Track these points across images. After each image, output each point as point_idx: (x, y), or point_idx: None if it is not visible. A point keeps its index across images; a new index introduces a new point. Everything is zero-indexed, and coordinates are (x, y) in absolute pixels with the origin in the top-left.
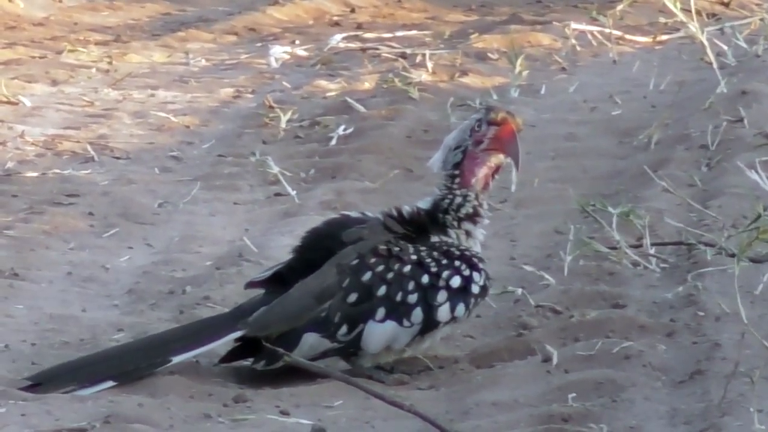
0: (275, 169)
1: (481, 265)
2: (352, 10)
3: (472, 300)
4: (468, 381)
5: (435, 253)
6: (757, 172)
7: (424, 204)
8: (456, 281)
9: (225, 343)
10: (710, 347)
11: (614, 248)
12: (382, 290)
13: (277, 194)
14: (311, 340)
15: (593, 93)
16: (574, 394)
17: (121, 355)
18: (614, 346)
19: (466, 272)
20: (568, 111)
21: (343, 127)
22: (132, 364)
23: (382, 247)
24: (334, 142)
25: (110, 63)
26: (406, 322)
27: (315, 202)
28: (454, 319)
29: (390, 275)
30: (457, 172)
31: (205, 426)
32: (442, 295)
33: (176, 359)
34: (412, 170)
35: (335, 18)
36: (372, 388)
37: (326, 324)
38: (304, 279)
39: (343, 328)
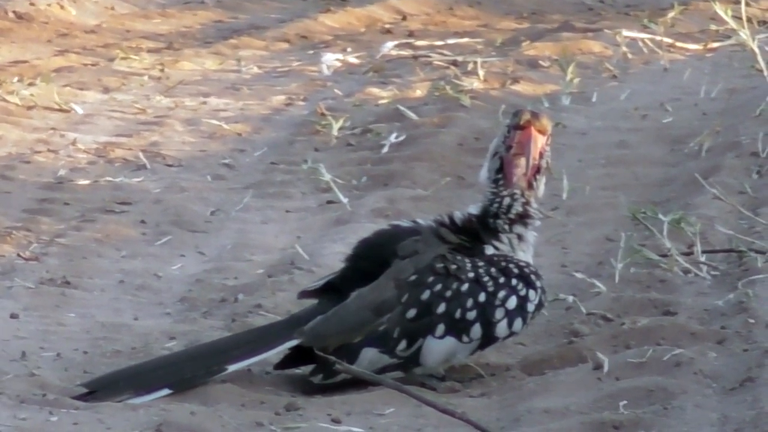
0: (327, 177)
1: (537, 283)
2: (404, 18)
3: (529, 315)
4: (519, 388)
5: (492, 270)
6: None
7: (475, 209)
8: (512, 302)
9: (280, 352)
10: (761, 354)
11: (665, 256)
12: (441, 308)
13: (329, 202)
14: (370, 355)
15: (644, 100)
16: (625, 402)
17: (176, 363)
18: (665, 354)
19: (522, 292)
20: (619, 118)
21: (394, 134)
22: (188, 372)
23: (439, 265)
24: (385, 149)
25: (162, 70)
26: (465, 338)
27: (367, 209)
28: (512, 333)
29: (448, 293)
30: (499, 176)
31: None
32: (500, 312)
33: (231, 368)
34: (464, 178)
35: (387, 25)
36: (424, 396)
37: (385, 339)
38: (360, 290)
39: (403, 344)
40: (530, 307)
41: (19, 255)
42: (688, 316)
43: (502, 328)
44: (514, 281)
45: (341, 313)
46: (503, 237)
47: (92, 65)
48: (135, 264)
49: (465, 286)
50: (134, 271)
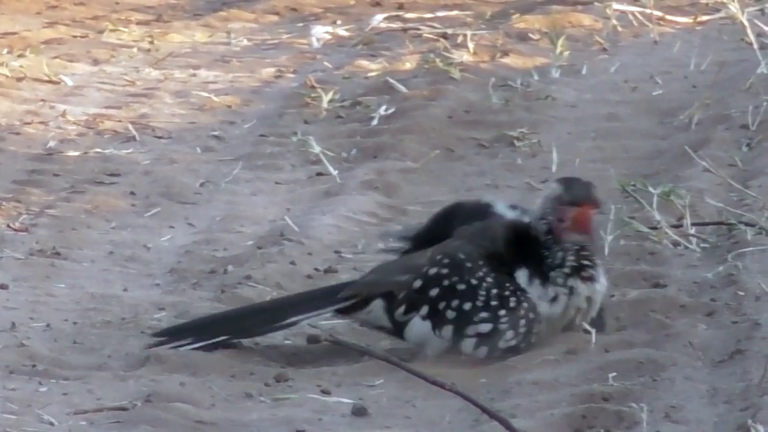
0: (317, 149)
1: (523, 326)
2: None
3: (497, 351)
4: (508, 360)
5: (494, 291)
6: None
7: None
8: (484, 328)
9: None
10: (750, 327)
11: (655, 228)
12: (433, 291)
13: (319, 174)
14: (378, 309)
15: (634, 73)
16: (614, 374)
17: (240, 315)
18: (655, 326)
19: (502, 326)
20: (609, 91)
21: (384, 107)
22: (251, 323)
23: (461, 255)
24: (375, 122)
25: (152, 42)
26: (437, 332)
27: (356, 181)
28: (474, 356)
29: (445, 282)
30: (549, 236)
31: (246, 405)
32: (472, 329)
33: (293, 319)
34: (453, 150)
35: None
36: (413, 368)
37: (392, 299)
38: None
39: (402, 309)
40: (501, 344)
41: (8, 226)
42: (678, 288)
43: (467, 345)
44: (502, 312)
45: (385, 267)
46: (551, 289)
47: (82, 37)
48: (124, 235)
49: (461, 287)
50: (124, 243)
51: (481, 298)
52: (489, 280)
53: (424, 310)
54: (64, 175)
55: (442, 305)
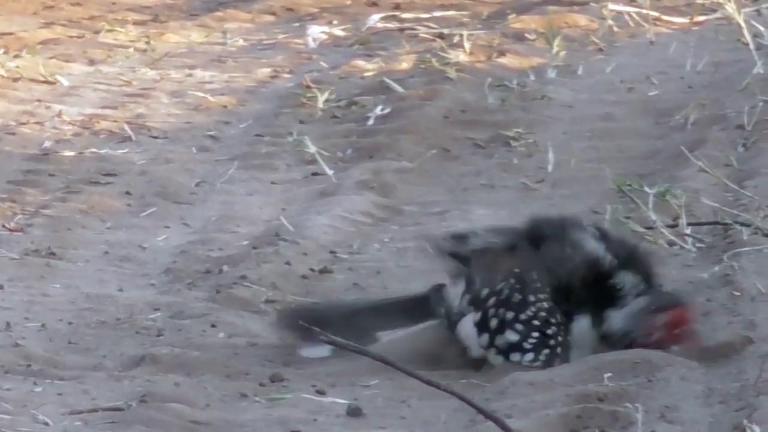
0: (312, 149)
1: (543, 356)
2: None
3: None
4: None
5: (542, 314)
6: None
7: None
8: (512, 337)
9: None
10: (746, 327)
11: (650, 228)
12: (491, 301)
13: (315, 174)
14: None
15: (630, 73)
16: (609, 374)
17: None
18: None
19: (528, 346)
20: (605, 91)
21: (380, 107)
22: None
23: (525, 276)
24: (371, 121)
25: (148, 43)
26: (482, 336)
27: (352, 181)
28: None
29: (493, 298)
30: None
31: (241, 405)
32: (500, 339)
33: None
34: (450, 150)
35: None
36: (407, 368)
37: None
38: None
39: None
40: (516, 356)
41: (4, 226)
42: (674, 288)
43: (493, 357)
44: (535, 334)
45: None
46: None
47: (78, 37)
48: (120, 235)
49: (517, 297)
50: (119, 243)
51: (523, 315)
52: (538, 304)
53: (477, 316)
54: (60, 175)
55: (492, 312)
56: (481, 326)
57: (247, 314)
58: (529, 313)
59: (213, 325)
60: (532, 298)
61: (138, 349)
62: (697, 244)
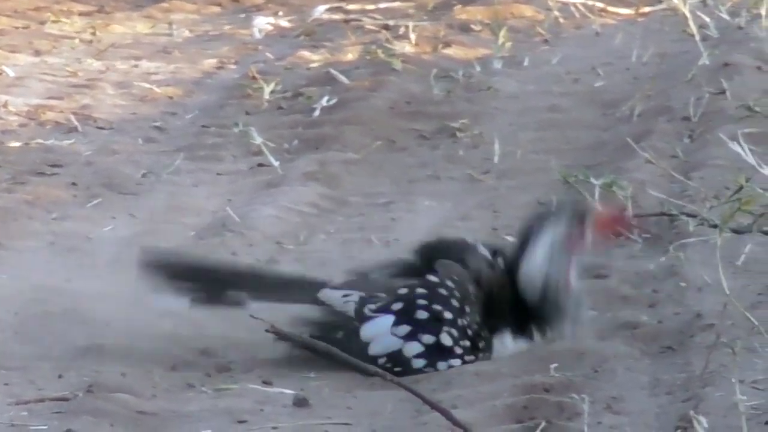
0: (258, 140)
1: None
2: None
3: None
4: None
5: (468, 319)
6: (739, 143)
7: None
8: (429, 340)
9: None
10: (692, 318)
11: None
12: (420, 290)
13: (260, 165)
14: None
15: (576, 65)
16: (556, 365)
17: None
18: (596, 317)
19: (448, 343)
20: (551, 83)
21: (326, 98)
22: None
23: (441, 290)
24: (317, 113)
25: (93, 34)
26: (393, 329)
27: (298, 172)
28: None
29: (441, 290)
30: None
31: (187, 396)
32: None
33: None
34: (395, 141)
35: None
36: (353, 359)
37: (369, 299)
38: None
39: (373, 306)
40: (440, 364)
41: None
42: (620, 279)
43: (410, 349)
44: (464, 343)
45: (363, 279)
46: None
47: (23, 28)
48: (66, 226)
49: (443, 291)
50: (65, 233)
51: (453, 311)
52: (468, 308)
53: (398, 305)
54: (6, 166)
55: (420, 302)
56: (403, 317)
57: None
58: (464, 321)
59: (160, 315)
60: (468, 309)
61: (84, 340)
62: (644, 235)
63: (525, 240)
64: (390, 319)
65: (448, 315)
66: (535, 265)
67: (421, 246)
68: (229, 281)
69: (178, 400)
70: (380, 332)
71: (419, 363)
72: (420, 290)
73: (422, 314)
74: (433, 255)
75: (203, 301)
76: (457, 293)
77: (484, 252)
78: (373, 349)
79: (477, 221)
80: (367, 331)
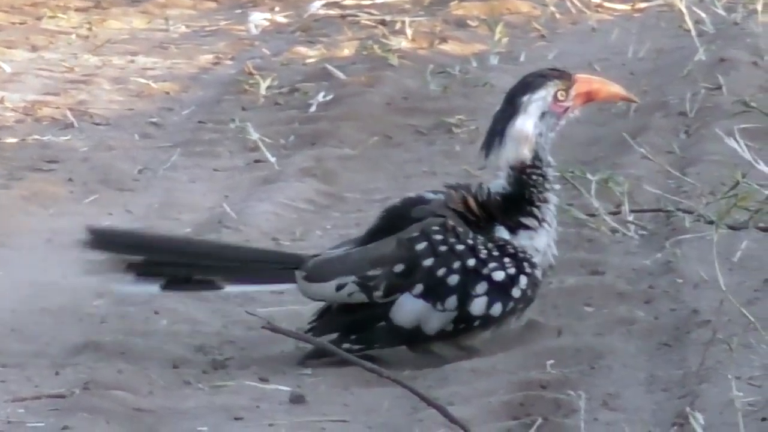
0: (255, 136)
1: (529, 270)
2: None
3: (511, 303)
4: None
5: (490, 245)
6: (735, 139)
7: (500, 188)
8: (499, 276)
9: (281, 289)
10: (688, 314)
11: (593, 215)
12: (428, 261)
13: (257, 161)
14: (349, 287)
15: (572, 60)
16: (552, 361)
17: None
18: (593, 313)
19: (512, 271)
20: None
21: (322, 93)
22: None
23: (450, 222)
24: (313, 108)
25: (90, 29)
26: (439, 306)
27: (294, 168)
28: (489, 318)
29: (442, 248)
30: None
31: (184, 393)
32: (481, 287)
33: (229, 289)
34: (392, 137)
35: None
36: (349, 355)
37: (367, 281)
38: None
39: (380, 291)
40: (516, 291)
41: None
42: (616, 275)
43: (478, 305)
44: (507, 260)
45: (344, 259)
46: (543, 208)
47: (20, 24)
48: (63, 222)
49: (460, 247)
50: (62, 230)
51: (483, 253)
52: (480, 238)
53: (417, 288)
54: (2, 162)
55: (441, 271)
56: (432, 293)
57: (190, 301)
58: (481, 251)
59: (156, 312)
60: (470, 241)
61: (81, 337)
62: (640, 231)
63: (512, 104)
64: (419, 302)
65: (459, 247)
66: (522, 128)
67: (379, 217)
68: (199, 264)
69: (175, 397)
70: (415, 307)
71: (479, 305)
72: (417, 246)
73: (430, 261)
74: (391, 217)
75: (173, 286)
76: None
77: (432, 195)
78: (426, 326)
79: None
80: (399, 312)
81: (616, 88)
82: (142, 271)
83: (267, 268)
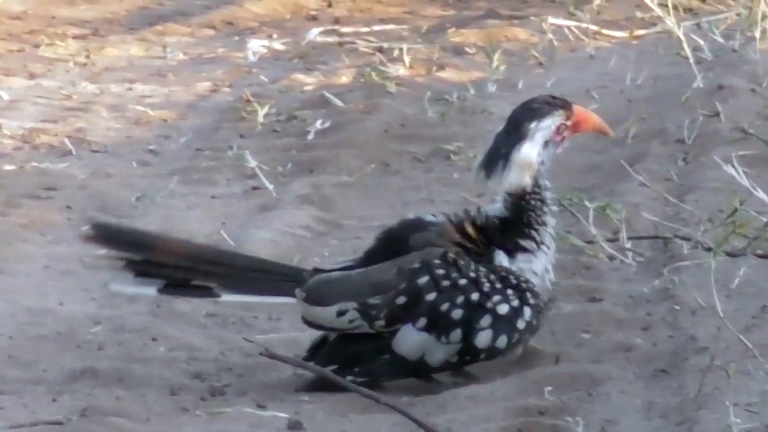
0: (253, 163)
1: (532, 300)
2: (329, 5)
3: (516, 335)
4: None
5: (492, 276)
6: (733, 166)
7: (498, 212)
8: (503, 308)
9: (279, 302)
10: (686, 341)
11: (591, 242)
12: (430, 296)
13: (255, 188)
14: (350, 314)
15: (570, 88)
16: (550, 388)
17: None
18: (590, 340)
19: (515, 303)
20: None
21: (320, 121)
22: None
23: (451, 255)
24: (311, 136)
25: (88, 57)
26: (443, 339)
27: (292, 195)
28: (495, 350)
29: (444, 283)
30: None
31: (181, 419)
32: (486, 320)
33: (225, 298)
34: (389, 164)
35: (312, 12)
36: (347, 382)
37: (368, 309)
38: (367, 268)
39: (382, 321)
40: (520, 324)
41: None
42: (614, 302)
43: (483, 339)
44: (510, 291)
45: (344, 281)
46: (541, 230)
47: (18, 51)
48: (60, 249)
49: (462, 281)
50: (59, 257)
51: (486, 286)
52: (482, 269)
53: (421, 322)
54: (0, 190)
55: (444, 307)
56: (436, 326)
57: (188, 328)
58: (484, 283)
59: (154, 339)
60: (472, 274)
61: (78, 363)
62: (638, 258)
63: (518, 129)
64: (422, 335)
65: (462, 282)
66: (527, 155)
67: (377, 238)
68: (199, 269)
69: (173, 423)
70: (418, 339)
71: (484, 338)
72: (419, 280)
73: (432, 296)
74: (389, 239)
75: (171, 290)
76: (445, 266)
77: (431, 218)
78: (431, 358)
79: None
80: (402, 344)
81: (597, 119)
82: (141, 271)
83: (266, 279)
